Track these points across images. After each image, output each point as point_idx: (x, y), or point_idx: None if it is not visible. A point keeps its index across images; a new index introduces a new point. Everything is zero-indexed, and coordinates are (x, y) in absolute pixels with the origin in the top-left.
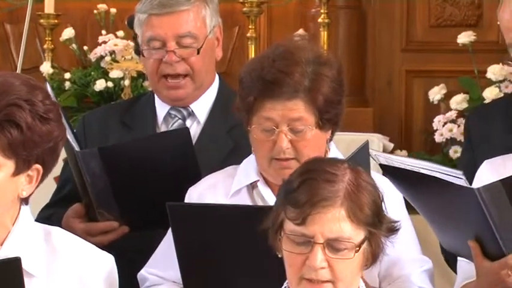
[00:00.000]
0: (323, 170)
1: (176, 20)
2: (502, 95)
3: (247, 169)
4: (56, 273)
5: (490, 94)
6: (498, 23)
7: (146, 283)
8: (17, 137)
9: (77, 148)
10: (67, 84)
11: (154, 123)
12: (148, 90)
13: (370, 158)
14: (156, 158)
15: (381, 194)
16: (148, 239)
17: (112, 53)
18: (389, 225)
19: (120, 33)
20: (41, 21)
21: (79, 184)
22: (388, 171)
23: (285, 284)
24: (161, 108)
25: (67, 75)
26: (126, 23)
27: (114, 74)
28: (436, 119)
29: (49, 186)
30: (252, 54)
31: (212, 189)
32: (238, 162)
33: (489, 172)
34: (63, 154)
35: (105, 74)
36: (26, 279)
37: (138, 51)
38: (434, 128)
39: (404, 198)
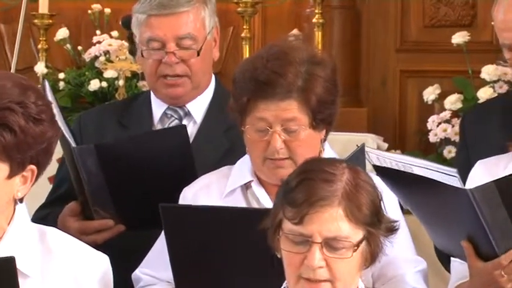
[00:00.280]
0: (321, 170)
1: (176, 21)
2: (496, 95)
3: (242, 169)
4: (51, 273)
5: (484, 94)
6: (492, 23)
7: (140, 283)
8: (10, 141)
9: (73, 144)
10: (61, 84)
11: (151, 123)
12: (143, 90)
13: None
14: (153, 156)
15: (380, 194)
16: (143, 238)
17: (106, 53)
18: (389, 225)
19: (115, 33)
20: (35, 21)
21: (75, 181)
22: (381, 172)
23: (284, 284)
24: (158, 108)
25: (61, 75)
26: (120, 23)
27: (109, 74)
28: (430, 119)
29: (43, 186)
30: (246, 54)
31: (206, 190)
32: (234, 162)
33: (482, 173)
34: (56, 154)
35: (99, 74)
36: (20, 280)
37: (132, 51)
38: (429, 128)
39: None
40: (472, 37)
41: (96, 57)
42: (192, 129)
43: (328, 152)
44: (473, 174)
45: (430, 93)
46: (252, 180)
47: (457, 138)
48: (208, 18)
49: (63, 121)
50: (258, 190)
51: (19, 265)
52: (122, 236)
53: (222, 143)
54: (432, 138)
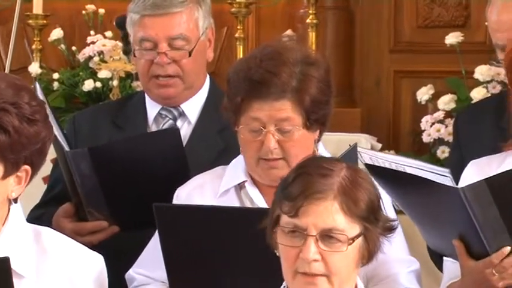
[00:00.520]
0: (319, 166)
1: (169, 22)
2: (489, 95)
3: (236, 170)
4: (46, 273)
5: (477, 94)
6: (486, 23)
7: (134, 283)
8: (4, 141)
9: (66, 148)
10: (55, 84)
11: (145, 124)
12: (137, 90)
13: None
14: (145, 158)
15: (379, 194)
16: (137, 239)
17: (100, 53)
18: (387, 224)
19: (109, 33)
20: (30, 21)
21: (69, 183)
22: (373, 171)
23: (284, 284)
24: (152, 109)
25: (55, 76)
26: (114, 23)
27: (103, 74)
28: (423, 119)
29: (38, 187)
30: (240, 54)
31: (200, 190)
32: (228, 162)
33: (474, 173)
34: (50, 154)
35: (93, 75)
36: (15, 280)
37: (126, 51)
38: (422, 128)
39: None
40: (466, 38)
41: (90, 58)
42: (186, 130)
43: (322, 153)
44: (465, 174)
45: (424, 94)
46: (246, 181)
47: (450, 139)
48: (202, 19)
49: (56, 123)
50: (251, 190)
51: (14, 265)
52: (116, 236)
53: (216, 143)
54: (426, 138)
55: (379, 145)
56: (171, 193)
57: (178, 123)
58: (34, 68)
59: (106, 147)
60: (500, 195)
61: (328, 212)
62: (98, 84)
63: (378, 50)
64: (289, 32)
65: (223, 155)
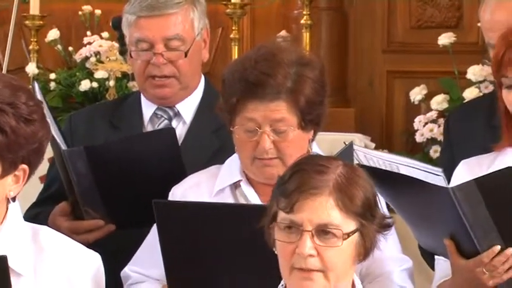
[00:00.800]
0: (315, 163)
1: (164, 23)
2: (481, 95)
3: (231, 169)
4: (44, 272)
5: (470, 94)
6: (479, 23)
7: (129, 281)
8: (2, 141)
9: (63, 147)
10: (52, 84)
11: (141, 123)
12: (133, 90)
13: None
14: (141, 158)
15: (376, 193)
16: (134, 237)
17: (97, 53)
18: (383, 222)
19: (105, 34)
20: (26, 22)
21: (65, 182)
22: (367, 171)
23: (282, 282)
24: (147, 109)
25: (52, 76)
26: (110, 24)
27: (99, 74)
28: (416, 119)
29: (35, 186)
30: (235, 55)
31: (195, 189)
32: (223, 162)
33: (465, 172)
34: (47, 153)
35: (90, 75)
36: (13, 279)
37: (122, 52)
38: (415, 128)
39: None
40: (458, 38)
41: (86, 58)
42: (181, 130)
43: (316, 152)
44: (456, 174)
45: (417, 94)
46: (241, 180)
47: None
48: (198, 19)
49: (54, 122)
50: (247, 189)
51: (12, 264)
52: (112, 235)
53: (211, 143)
54: (419, 138)
55: (373, 144)
56: (166, 192)
57: (174, 123)
58: (31, 69)
59: (102, 147)
60: (489, 195)
61: (323, 208)
62: (95, 84)
63: (371, 51)
64: (283, 32)
65: (218, 155)
